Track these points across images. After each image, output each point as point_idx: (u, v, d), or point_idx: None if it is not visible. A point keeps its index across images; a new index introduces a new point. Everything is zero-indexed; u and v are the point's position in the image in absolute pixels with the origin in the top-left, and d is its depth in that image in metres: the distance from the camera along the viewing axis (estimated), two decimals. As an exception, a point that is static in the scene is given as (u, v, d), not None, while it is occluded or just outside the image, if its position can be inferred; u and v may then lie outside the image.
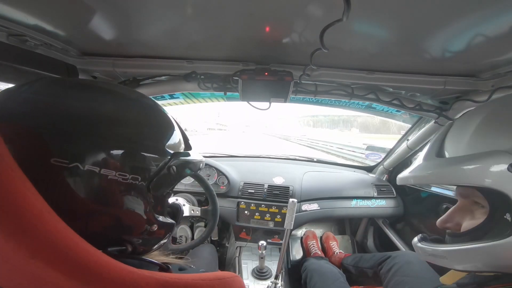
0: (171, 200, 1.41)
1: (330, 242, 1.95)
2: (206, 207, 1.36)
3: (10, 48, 0.77)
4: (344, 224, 2.29)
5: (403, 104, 1.23)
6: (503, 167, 0.42)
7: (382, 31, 0.75)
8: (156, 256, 0.56)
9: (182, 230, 1.93)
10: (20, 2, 0.65)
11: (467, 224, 0.53)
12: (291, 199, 1.17)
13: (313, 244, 1.92)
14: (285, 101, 1.14)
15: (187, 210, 1.38)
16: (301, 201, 1.70)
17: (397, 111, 1.43)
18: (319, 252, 1.86)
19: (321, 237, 2.07)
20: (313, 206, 1.71)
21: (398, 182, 0.62)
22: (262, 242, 1.37)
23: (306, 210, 1.69)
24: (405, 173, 0.61)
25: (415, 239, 0.63)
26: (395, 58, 0.95)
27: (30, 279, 0.30)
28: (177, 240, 1.88)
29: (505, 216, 0.45)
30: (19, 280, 0.30)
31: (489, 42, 0.73)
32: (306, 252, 1.92)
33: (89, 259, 0.33)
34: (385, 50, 0.88)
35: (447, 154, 0.54)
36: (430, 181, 0.55)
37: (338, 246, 1.95)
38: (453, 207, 0.59)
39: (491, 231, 0.48)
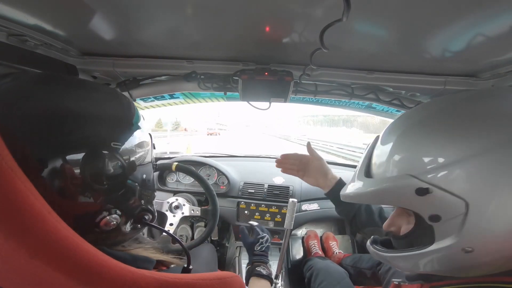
0: (172, 200, 1.41)
1: (330, 242, 1.95)
2: (206, 207, 1.36)
3: (10, 48, 0.77)
4: (344, 224, 2.29)
5: (403, 104, 1.23)
6: (412, 190, 0.46)
7: (382, 31, 0.75)
8: (153, 255, 0.56)
9: (182, 230, 1.93)
10: (20, 2, 0.65)
11: (404, 228, 0.57)
12: (291, 199, 1.17)
13: (314, 244, 1.92)
14: (285, 101, 1.14)
15: (187, 210, 1.38)
16: (301, 201, 1.70)
17: (397, 111, 1.43)
18: (320, 252, 1.86)
19: (321, 237, 2.07)
20: (313, 206, 1.71)
21: (342, 199, 0.64)
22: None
23: (306, 210, 1.69)
24: (345, 189, 0.63)
25: (368, 242, 0.66)
26: (395, 58, 0.95)
27: (30, 279, 0.30)
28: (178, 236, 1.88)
29: (429, 223, 0.49)
30: (19, 280, 0.30)
31: (489, 42, 0.73)
32: (307, 251, 1.92)
33: (89, 259, 0.33)
34: (385, 50, 0.88)
35: (372, 174, 0.58)
36: (363, 201, 0.65)
37: (338, 246, 1.95)
38: (393, 211, 0.62)
39: (422, 236, 0.51)
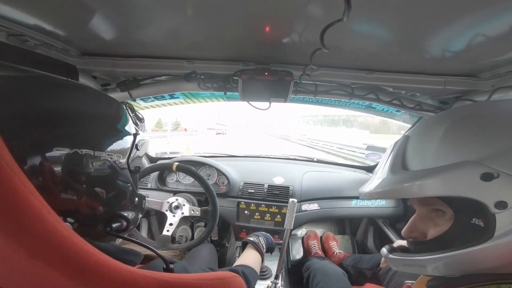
0: (172, 200, 1.41)
1: (330, 242, 1.95)
2: (206, 207, 1.36)
3: (10, 48, 0.77)
4: (344, 224, 2.29)
5: (403, 104, 1.23)
6: (476, 176, 0.45)
7: (382, 31, 0.75)
8: (142, 249, 0.55)
9: (182, 230, 1.93)
10: (20, 2, 0.65)
11: (433, 231, 0.54)
12: (291, 199, 1.17)
13: (314, 244, 1.92)
14: (285, 101, 1.14)
15: (187, 210, 1.38)
16: (301, 201, 1.70)
17: (397, 111, 1.43)
18: (320, 252, 1.86)
19: (321, 237, 2.07)
20: (313, 206, 1.71)
21: (363, 198, 0.61)
22: None
23: (306, 210, 1.69)
24: (370, 188, 0.59)
25: (384, 251, 0.63)
26: (395, 58, 0.95)
27: (29, 279, 0.30)
28: (177, 240, 1.88)
29: (472, 221, 0.48)
30: (19, 280, 0.30)
31: (489, 42, 0.73)
32: (307, 251, 1.92)
33: (88, 259, 0.33)
34: (385, 50, 0.88)
35: (412, 167, 0.55)
36: (403, 194, 0.55)
37: (338, 246, 1.95)
38: (414, 216, 0.60)
39: (460, 236, 0.50)
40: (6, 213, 0.29)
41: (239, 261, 0.89)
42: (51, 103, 0.44)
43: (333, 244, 1.93)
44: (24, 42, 0.80)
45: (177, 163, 1.29)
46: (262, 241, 1.05)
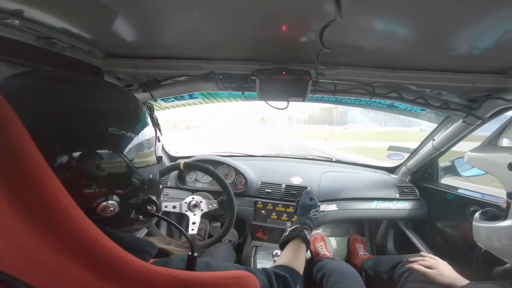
0: (188, 199, 1.43)
1: (357, 245, 1.92)
2: (222, 197, 1.37)
3: (39, 51, 0.81)
4: (363, 226, 2.24)
5: (428, 103, 1.18)
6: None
7: (404, 28, 0.72)
8: (158, 243, 0.56)
9: (201, 223, 1.95)
10: (48, 6, 0.68)
11: None
12: None
13: (321, 246, 1.88)
14: (303, 100, 1.13)
15: (205, 206, 1.40)
16: (319, 201, 1.68)
17: (421, 110, 1.38)
18: (328, 254, 1.82)
19: (348, 239, 2.04)
20: (332, 207, 1.68)
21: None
22: (277, 251, 1.51)
23: (324, 211, 1.66)
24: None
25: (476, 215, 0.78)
26: (419, 56, 0.91)
27: (53, 274, 0.32)
28: (197, 233, 1.91)
29: None
30: (44, 275, 0.31)
31: None
32: (314, 254, 1.88)
33: (110, 255, 0.35)
34: (408, 47, 0.85)
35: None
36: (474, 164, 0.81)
37: (365, 249, 1.92)
38: None
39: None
40: (35, 210, 0.31)
41: (286, 260, 0.89)
42: (92, 102, 0.45)
43: (359, 247, 1.91)
44: (52, 45, 0.84)
45: (183, 161, 1.31)
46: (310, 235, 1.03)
